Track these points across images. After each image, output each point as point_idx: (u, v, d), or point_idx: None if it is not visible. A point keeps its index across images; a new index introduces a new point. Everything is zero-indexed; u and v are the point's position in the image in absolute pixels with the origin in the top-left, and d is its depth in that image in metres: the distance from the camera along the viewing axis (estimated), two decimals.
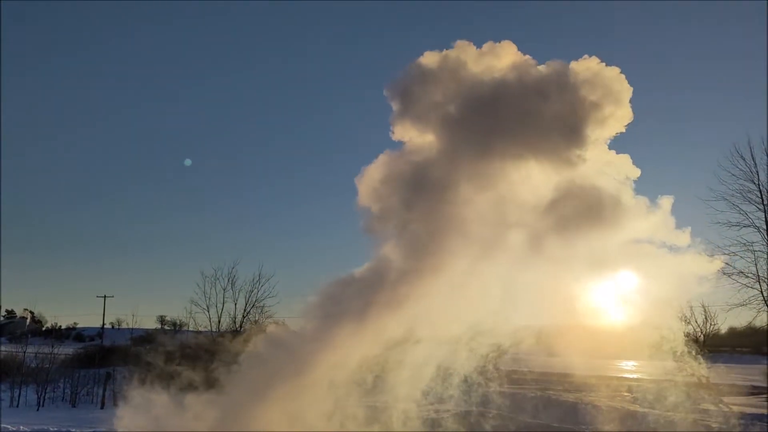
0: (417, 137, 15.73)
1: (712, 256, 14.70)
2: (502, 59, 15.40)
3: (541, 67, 15.31)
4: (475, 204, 14.48)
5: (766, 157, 26.11)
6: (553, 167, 14.41)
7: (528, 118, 14.25)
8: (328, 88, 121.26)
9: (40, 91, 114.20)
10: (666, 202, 14.43)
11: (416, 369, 16.32)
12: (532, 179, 14.60)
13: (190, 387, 17.15)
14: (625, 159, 14.88)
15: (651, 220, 14.43)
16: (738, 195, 26.55)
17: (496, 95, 14.56)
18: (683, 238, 14.43)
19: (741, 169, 26.56)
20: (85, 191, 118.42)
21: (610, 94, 14.81)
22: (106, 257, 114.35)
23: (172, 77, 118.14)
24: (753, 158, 26.46)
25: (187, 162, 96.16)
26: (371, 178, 15.53)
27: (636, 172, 14.71)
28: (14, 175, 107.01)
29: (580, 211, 13.91)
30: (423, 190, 14.64)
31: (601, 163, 14.94)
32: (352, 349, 14.59)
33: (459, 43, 15.76)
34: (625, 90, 14.97)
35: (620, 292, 15.34)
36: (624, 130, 14.97)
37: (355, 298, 14.42)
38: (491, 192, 14.53)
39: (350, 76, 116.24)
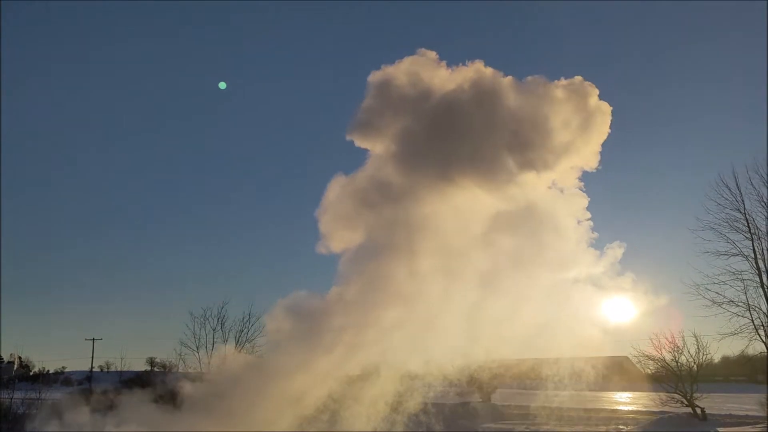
0: (375, 162, 15.56)
1: (657, 294, 15.55)
2: (462, 76, 15.12)
3: (510, 83, 15.03)
4: (427, 233, 14.41)
5: (750, 185, 26.52)
6: (502, 197, 14.46)
7: (481, 144, 14.20)
8: (322, 127, 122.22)
9: (28, 135, 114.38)
10: (617, 250, 15.08)
11: (370, 405, 16.02)
12: (481, 209, 14.63)
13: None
14: (582, 201, 15.18)
15: (597, 265, 14.99)
16: (725, 224, 26.84)
17: (452, 117, 14.37)
18: (625, 281, 15.52)
19: (727, 198, 26.90)
20: (73, 233, 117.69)
21: (584, 120, 14.85)
22: (95, 300, 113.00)
23: (161, 110, 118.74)
24: (738, 187, 26.82)
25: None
26: (329, 206, 15.35)
27: (587, 215, 15.14)
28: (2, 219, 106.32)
29: (526, 248, 14.06)
30: (372, 214, 14.60)
31: (557, 202, 15.17)
32: (303, 381, 14.26)
33: (422, 52, 15.61)
34: (600, 116, 15.00)
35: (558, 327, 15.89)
36: (595, 164, 15.21)
37: (308, 329, 14.22)
38: (441, 221, 14.48)
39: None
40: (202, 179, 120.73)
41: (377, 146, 15.35)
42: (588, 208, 15.05)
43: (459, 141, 14.09)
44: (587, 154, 14.88)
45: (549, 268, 14.39)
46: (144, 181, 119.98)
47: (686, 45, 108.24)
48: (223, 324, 42.68)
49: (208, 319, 42.79)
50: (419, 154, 14.49)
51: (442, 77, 15.23)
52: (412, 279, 14.19)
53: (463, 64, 15.48)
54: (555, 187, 15.30)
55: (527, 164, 14.17)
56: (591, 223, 14.98)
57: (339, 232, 14.99)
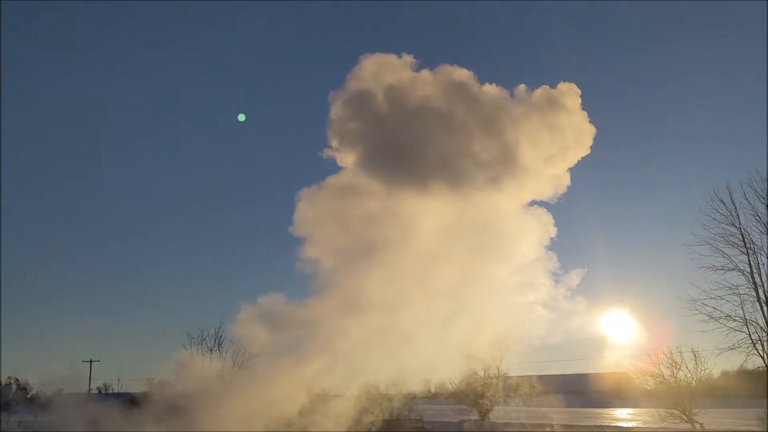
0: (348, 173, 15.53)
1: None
2: (436, 82, 14.94)
3: (491, 91, 15.03)
4: (395, 246, 14.42)
5: (745, 200, 26.69)
6: (471, 212, 14.46)
7: (452, 156, 14.16)
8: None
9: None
10: (575, 276, 15.43)
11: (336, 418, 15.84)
12: (449, 222, 14.64)
13: None
14: (549, 227, 15.32)
15: (555, 290, 15.20)
16: (720, 239, 27.00)
17: (424, 127, 14.24)
18: (577, 303, 16.41)
19: (722, 214, 27.09)
20: (68, 252, 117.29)
21: (562, 138, 14.94)
22: (92, 321, 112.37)
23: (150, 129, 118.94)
24: (733, 202, 27.04)
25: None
26: (303, 216, 15.46)
27: (550, 242, 15.46)
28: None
29: (491, 266, 14.14)
30: (346, 223, 14.66)
31: (522, 223, 15.29)
32: (267, 394, 14.07)
33: (405, 58, 15.62)
34: (580, 134, 15.06)
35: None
36: (566, 185, 15.33)
37: (282, 339, 14.15)
38: (406, 233, 14.42)
39: None
40: (202, 192, 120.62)
41: (349, 158, 15.33)
42: (559, 226, 15.25)
43: (431, 152, 13.95)
44: (561, 173, 15.02)
45: (512, 286, 14.61)
46: (139, 193, 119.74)
47: (679, 48, 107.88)
48: (220, 344, 42.88)
49: (205, 339, 43.03)
50: (392, 165, 14.35)
51: (416, 82, 15.05)
52: (386, 289, 14.18)
53: (441, 66, 15.65)
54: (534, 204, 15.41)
55: (497, 181, 14.29)
56: (553, 253, 15.34)
57: (314, 242, 14.96)
